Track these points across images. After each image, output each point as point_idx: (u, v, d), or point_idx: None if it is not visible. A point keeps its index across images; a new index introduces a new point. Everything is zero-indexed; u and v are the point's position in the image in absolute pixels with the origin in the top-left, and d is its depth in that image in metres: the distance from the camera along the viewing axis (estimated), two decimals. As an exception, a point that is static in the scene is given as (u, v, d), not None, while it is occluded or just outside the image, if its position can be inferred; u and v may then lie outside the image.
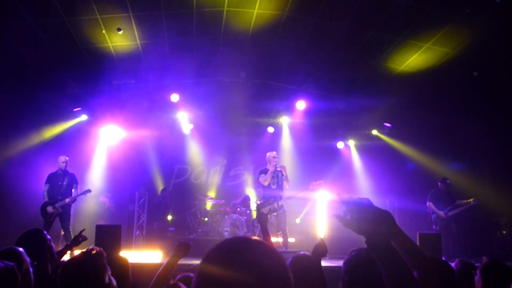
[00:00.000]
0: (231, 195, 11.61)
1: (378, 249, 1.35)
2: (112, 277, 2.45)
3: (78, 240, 4.08)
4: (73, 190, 8.22)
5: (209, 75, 10.47)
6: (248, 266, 0.99)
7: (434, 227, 8.88)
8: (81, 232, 4.13)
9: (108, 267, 2.41)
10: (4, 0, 6.72)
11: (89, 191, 8.41)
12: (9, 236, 7.44)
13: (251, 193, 11.78)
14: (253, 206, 11.12)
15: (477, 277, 2.96)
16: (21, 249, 2.48)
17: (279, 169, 7.87)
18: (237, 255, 1.02)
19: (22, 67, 8.40)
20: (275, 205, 7.66)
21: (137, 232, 10.99)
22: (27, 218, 8.24)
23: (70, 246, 4.09)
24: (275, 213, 7.75)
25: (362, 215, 1.38)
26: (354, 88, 10.56)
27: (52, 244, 3.08)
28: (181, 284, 3.13)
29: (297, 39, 8.77)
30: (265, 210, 7.71)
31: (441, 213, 8.76)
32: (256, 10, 7.78)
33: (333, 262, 7.13)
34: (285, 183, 7.75)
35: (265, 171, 7.86)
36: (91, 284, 2.26)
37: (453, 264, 3.16)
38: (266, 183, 7.76)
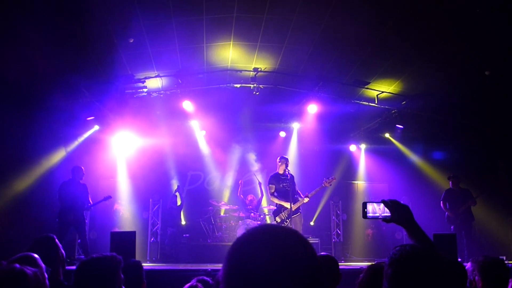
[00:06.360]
0: (245, 200, 11.60)
1: (414, 231, 2.06)
2: (123, 286, 2.47)
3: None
4: (90, 198, 8.25)
5: (220, 81, 10.52)
6: (280, 253, 0.98)
7: (452, 227, 8.71)
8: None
9: (122, 276, 2.44)
10: (17, 7, 6.82)
11: (109, 197, 8.44)
12: (20, 243, 7.39)
13: (256, 194, 11.69)
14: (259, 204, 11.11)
15: (476, 277, 2.90)
16: (36, 255, 2.51)
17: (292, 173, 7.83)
18: (268, 241, 1.00)
19: (35, 75, 8.46)
20: (289, 209, 7.58)
21: (152, 239, 11.04)
22: (39, 225, 8.23)
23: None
24: (289, 218, 7.66)
25: (404, 213, 2.08)
26: (366, 91, 10.51)
27: (63, 251, 3.11)
28: (200, 284, 3.14)
29: (307, 42, 8.76)
30: (282, 215, 7.64)
31: (452, 212, 8.65)
32: (265, 16, 7.80)
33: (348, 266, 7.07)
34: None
35: (275, 177, 7.83)
36: (102, 286, 2.30)
37: (468, 265, 3.09)
38: (271, 191, 7.77)
